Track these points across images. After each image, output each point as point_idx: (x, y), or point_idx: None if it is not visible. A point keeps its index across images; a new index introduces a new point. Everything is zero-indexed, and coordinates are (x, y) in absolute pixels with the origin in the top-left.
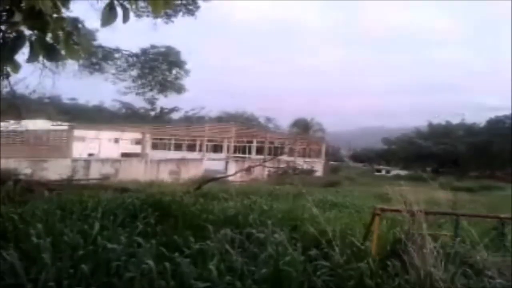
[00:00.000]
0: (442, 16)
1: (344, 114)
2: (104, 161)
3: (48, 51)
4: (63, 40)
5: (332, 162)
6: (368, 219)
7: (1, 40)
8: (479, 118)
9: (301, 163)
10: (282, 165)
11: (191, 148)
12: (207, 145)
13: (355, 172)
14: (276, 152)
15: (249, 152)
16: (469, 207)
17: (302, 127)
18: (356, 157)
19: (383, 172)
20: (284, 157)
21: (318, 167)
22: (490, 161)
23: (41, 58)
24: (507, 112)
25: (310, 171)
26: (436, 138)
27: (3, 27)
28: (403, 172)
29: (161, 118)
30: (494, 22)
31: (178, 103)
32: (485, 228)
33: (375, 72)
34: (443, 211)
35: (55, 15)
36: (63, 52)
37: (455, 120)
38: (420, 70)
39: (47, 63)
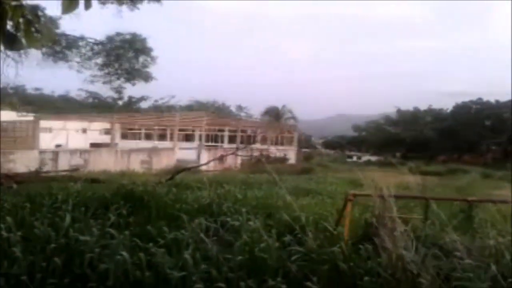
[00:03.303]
0: (411, 5)
1: (314, 103)
2: (72, 152)
3: (8, 40)
4: (23, 29)
5: (304, 150)
6: (340, 204)
7: None
8: (446, 105)
9: (274, 151)
10: (255, 154)
11: (162, 137)
12: (178, 134)
13: (327, 159)
14: (248, 140)
15: (222, 141)
16: (438, 191)
17: (274, 115)
18: (328, 144)
19: (355, 159)
20: (257, 146)
21: (291, 154)
22: (457, 145)
23: (1, 47)
24: (473, 98)
25: (283, 159)
26: (405, 124)
27: None
28: (373, 158)
29: (130, 107)
30: (461, 10)
31: (146, 92)
32: (453, 211)
33: (344, 61)
34: (413, 195)
35: (13, 3)
36: (24, 40)
37: (422, 107)
38: (388, 59)
39: (9, 52)
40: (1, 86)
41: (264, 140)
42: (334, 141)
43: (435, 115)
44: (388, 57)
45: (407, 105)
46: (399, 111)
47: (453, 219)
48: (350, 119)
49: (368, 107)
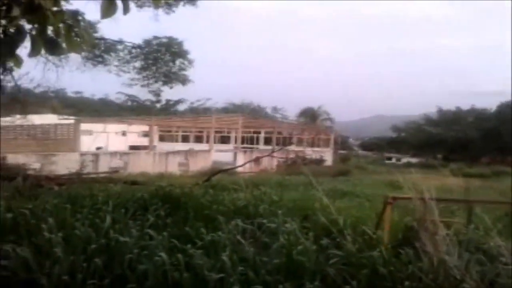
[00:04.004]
0: (449, 3)
1: (352, 103)
2: (112, 154)
3: (49, 45)
4: (64, 34)
5: (341, 151)
6: (379, 207)
7: (2, 35)
8: (490, 104)
9: (310, 152)
10: (290, 155)
11: (199, 139)
12: (214, 136)
13: (365, 161)
14: (284, 142)
15: (257, 143)
16: (481, 194)
17: (310, 116)
18: (366, 146)
19: (394, 160)
20: (293, 147)
21: (328, 156)
22: (501, 146)
23: (43, 52)
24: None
25: (320, 161)
26: (446, 125)
27: (3, 22)
28: (413, 160)
29: (167, 109)
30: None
31: (183, 95)
32: (498, 215)
33: (382, 61)
34: (455, 198)
35: (54, 8)
36: (64, 45)
37: (464, 106)
38: (428, 57)
39: (50, 57)
40: (43, 89)
41: (300, 142)
42: (372, 142)
43: (478, 115)
44: (428, 55)
45: (448, 105)
46: (440, 111)
47: (498, 223)
48: (389, 119)
49: (407, 107)
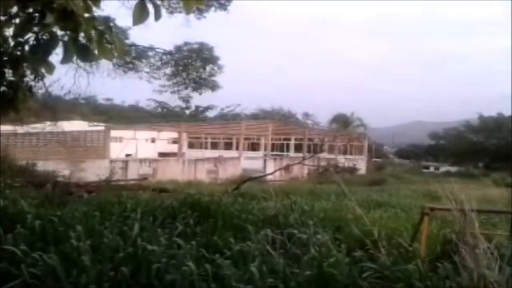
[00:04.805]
0: (489, 4)
1: (387, 109)
2: (141, 161)
3: (81, 52)
4: (96, 40)
5: (375, 159)
6: (415, 218)
7: (35, 42)
8: None
9: (342, 160)
10: (322, 163)
11: (228, 146)
12: (244, 143)
13: (401, 170)
14: (315, 149)
15: (287, 150)
16: None
17: (342, 122)
18: (402, 154)
19: (432, 169)
20: (324, 155)
21: (361, 164)
22: None
23: (74, 58)
24: None
25: (352, 169)
26: (488, 132)
27: (36, 29)
28: (453, 169)
29: (197, 116)
30: None
31: (213, 101)
32: None
33: (420, 64)
34: (498, 209)
35: (86, 15)
36: (96, 52)
37: (507, 112)
38: (469, 61)
39: (81, 64)
40: (73, 96)
41: (331, 149)
42: (408, 150)
43: None
44: (468, 58)
45: (490, 111)
46: (481, 117)
47: None
48: (427, 126)
49: (446, 113)
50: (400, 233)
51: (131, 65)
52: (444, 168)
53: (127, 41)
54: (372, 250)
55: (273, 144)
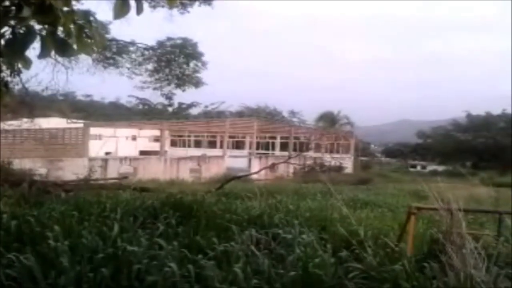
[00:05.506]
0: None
1: (374, 108)
2: (122, 159)
3: (59, 46)
4: (75, 35)
5: (362, 158)
6: (402, 218)
7: (11, 36)
8: None
9: (328, 159)
10: (308, 162)
11: (212, 144)
12: (228, 141)
13: (387, 169)
14: (301, 148)
15: (273, 148)
16: None
17: (329, 120)
18: (389, 152)
19: (419, 168)
20: (311, 153)
21: (348, 163)
22: None
23: (53, 53)
24: None
25: (339, 168)
26: (476, 131)
27: (12, 22)
28: (440, 168)
29: (180, 113)
30: None
31: (196, 98)
32: None
33: (408, 64)
34: (485, 209)
35: (65, 9)
36: (75, 46)
37: (495, 111)
38: (456, 61)
39: (60, 59)
40: (51, 92)
41: (318, 148)
42: (395, 148)
43: (510, 120)
44: (456, 58)
45: (478, 110)
46: (469, 116)
47: None
48: (414, 125)
49: (434, 112)
50: (386, 233)
51: (111, 61)
52: (431, 167)
53: (107, 36)
54: (358, 250)
55: (258, 143)
